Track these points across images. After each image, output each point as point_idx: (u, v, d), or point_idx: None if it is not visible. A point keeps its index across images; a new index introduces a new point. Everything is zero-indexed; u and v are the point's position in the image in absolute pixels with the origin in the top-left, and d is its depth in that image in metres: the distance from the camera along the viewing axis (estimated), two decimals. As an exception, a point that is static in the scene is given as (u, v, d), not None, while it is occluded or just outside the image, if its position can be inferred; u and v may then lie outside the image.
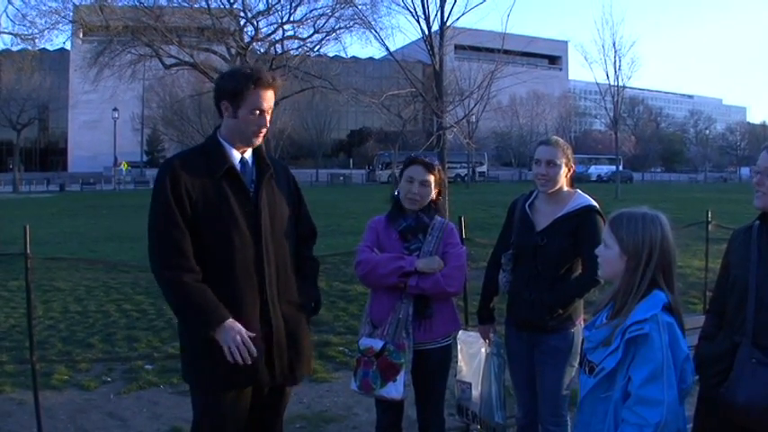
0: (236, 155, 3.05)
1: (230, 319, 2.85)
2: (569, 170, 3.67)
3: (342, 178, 62.53)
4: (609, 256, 2.57)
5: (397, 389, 3.51)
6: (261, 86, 2.97)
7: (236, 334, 2.83)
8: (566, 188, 3.69)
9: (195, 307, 2.85)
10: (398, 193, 3.75)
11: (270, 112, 3.06)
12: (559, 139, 3.78)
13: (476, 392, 4.06)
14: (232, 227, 2.93)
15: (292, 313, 3.11)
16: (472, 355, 4.10)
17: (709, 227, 8.26)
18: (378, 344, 3.57)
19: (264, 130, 3.06)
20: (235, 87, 2.98)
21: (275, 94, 3.07)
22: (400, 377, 3.51)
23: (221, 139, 3.07)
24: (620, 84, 34.83)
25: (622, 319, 2.43)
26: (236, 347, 2.82)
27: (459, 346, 4.12)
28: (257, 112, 2.99)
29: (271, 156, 3.26)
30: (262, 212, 3.01)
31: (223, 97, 3.02)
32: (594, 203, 3.62)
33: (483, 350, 4.04)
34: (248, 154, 3.11)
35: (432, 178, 3.68)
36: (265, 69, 3.18)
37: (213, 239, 2.91)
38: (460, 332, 4.11)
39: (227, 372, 2.90)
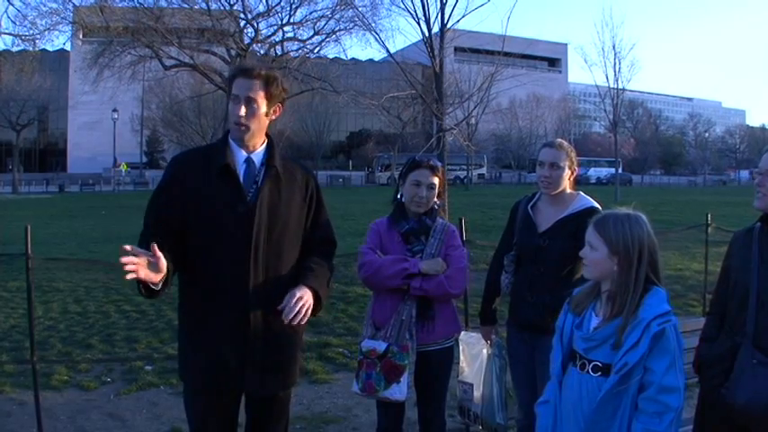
0: (241, 154, 2.98)
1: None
2: (572, 173, 3.70)
3: (341, 180, 62.52)
4: (596, 257, 2.62)
5: (401, 390, 3.52)
6: (239, 75, 2.98)
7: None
8: (568, 190, 3.71)
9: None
10: (401, 195, 3.75)
11: (253, 102, 2.93)
12: (563, 141, 3.80)
13: (477, 393, 4.06)
14: (220, 228, 2.87)
15: (276, 321, 2.88)
16: (474, 356, 4.10)
17: (709, 229, 8.28)
18: (381, 346, 3.57)
19: (241, 119, 2.91)
20: (227, 82, 3.05)
21: (258, 81, 2.95)
22: (404, 378, 3.52)
23: (230, 139, 3.01)
24: (620, 86, 34.90)
25: (628, 317, 2.50)
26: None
27: (460, 347, 4.13)
28: (234, 99, 2.94)
29: (286, 156, 3.15)
30: (256, 216, 2.89)
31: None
32: (597, 205, 3.63)
33: (484, 351, 4.05)
34: (257, 154, 3.01)
35: (437, 180, 3.70)
36: (255, 62, 3.14)
37: (200, 236, 2.88)
38: (462, 333, 4.12)
39: (203, 367, 2.89)
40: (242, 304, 2.87)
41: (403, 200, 3.73)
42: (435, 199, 3.73)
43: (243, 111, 2.91)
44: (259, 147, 3.03)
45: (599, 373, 2.56)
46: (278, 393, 3.08)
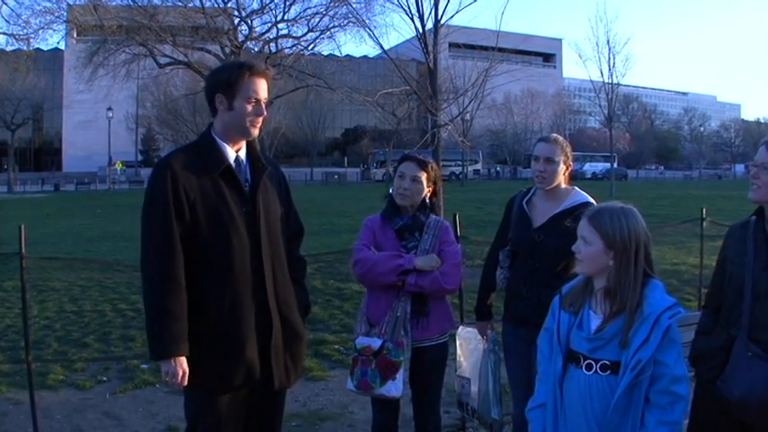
0: (231, 153, 2.99)
1: (183, 357, 2.80)
2: (567, 167, 3.69)
3: (336, 177, 62.49)
4: (591, 252, 2.56)
5: (396, 387, 3.51)
6: (255, 74, 2.93)
7: (178, 375, 2.81)
8: (563, 185, 3.70)
9: (164, 326, 2.79)
10: (392, 191, 3.75)
11: (265, 102, 3.01)
12: (558, 136, 3.79)
13: (474, 388, 4.06)
14: (230, 228, 2.88)
15: (290, 314, 3.07)
16: (471, 351, 4.10)
17: (704, 224, 8.28)
18: (376, 342, 3.56)
19: (261, 120, 2.99)
20: (229, 78, 2.92)
21: (269, 85, 3.01)
22: (399, 375, 3.51)
23: (216, 137, 3.00)
24: (615, 81, 34.82)
25: (632, 313, 2.46)
26: (170, 383, 2.85)
27: (458, 342, 4.14)
28: (253, 101, 2.93)
29: (263, 154, 3.23)
30: (260, 213, 2.97)
31: (217, 90, 2.96)
32: (592, 200, 3.62)
33: (481, 346, 4.04)
34: (242, 152, 3.06)
35: (423, 175, 3.68)
36: (258, 59, 3.15)
37: (212, 240, 2.86)
38: (460, 328, 4.13)
39: (223, 372, 2.88)
40: (262, 300, 2.95)
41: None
42: (429, 196, 3.73)
43: (264, 112, 3.00)
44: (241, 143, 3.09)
45: (608, 372, 2.50)
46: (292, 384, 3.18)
